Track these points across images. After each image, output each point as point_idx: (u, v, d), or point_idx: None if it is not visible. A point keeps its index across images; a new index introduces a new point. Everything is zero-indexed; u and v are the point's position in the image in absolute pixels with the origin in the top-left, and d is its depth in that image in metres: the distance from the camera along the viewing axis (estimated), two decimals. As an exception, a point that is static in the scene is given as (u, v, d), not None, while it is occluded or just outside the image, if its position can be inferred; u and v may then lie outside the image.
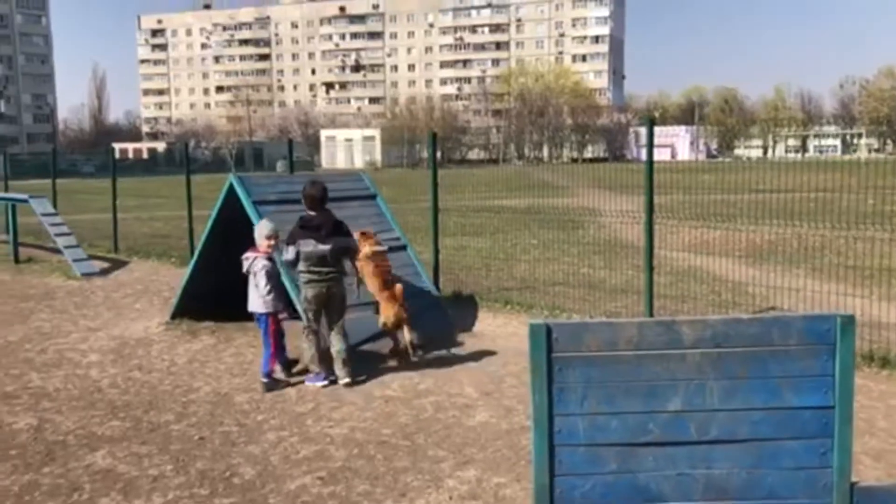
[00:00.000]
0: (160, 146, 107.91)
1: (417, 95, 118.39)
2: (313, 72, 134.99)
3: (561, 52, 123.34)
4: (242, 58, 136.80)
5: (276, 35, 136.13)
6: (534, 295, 9.94)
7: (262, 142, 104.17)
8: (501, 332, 8.34)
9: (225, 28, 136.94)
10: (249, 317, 8.46)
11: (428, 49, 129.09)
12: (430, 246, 9.89)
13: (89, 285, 11.88)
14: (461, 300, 9.61)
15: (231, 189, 8.03)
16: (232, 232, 8.25)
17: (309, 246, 6.44)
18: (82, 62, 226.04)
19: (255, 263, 6.66)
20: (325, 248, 6.43)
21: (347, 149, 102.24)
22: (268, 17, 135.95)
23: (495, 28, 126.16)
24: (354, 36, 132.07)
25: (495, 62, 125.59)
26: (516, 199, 13.95)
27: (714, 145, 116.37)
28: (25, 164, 48.90)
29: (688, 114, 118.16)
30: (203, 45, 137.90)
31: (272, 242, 6.69)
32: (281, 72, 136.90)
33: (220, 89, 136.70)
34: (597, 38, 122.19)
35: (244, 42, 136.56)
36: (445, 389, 6.43)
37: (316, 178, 7.41)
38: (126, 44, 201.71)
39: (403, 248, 8.60)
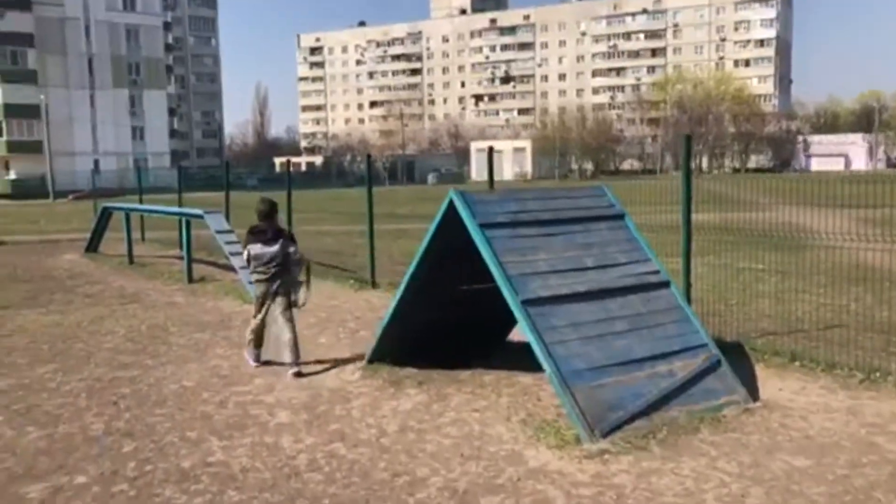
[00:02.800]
0: (317, 160, 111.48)
1: (568, 105, 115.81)
2: (463, 84, 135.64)
3: (722, 58, 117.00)
4: (395, 73, 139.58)
5: (428, 49, 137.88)
6: (815, 344, 7.62)
7: (414, 155, 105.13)
8: (805, 403, 6.12)
9: (378, 44, 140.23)
10: (459, 364, 6.83)
11: (580, 58, 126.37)
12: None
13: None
14: (721, 348, 7.45)
15: (450, 208, 6.33)
16: (446, 260, 6.57)
17: (256, 249, 7.61)
18: (247, 81, 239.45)
19: None
20: (270, 249, 7.55)
21: (497, 160, 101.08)
22: (419, 32, 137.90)
23: (651, 34, 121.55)
24: (505, 47, 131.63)
25: (651, 69, 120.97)
26: (698, 213, 11.58)
27: None
28: (195, 177, 50.97)
29: (863, 120, 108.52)
30: (358, 62, 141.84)
31: None
32: (431, 85, 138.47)
33: (373, 104, 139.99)
34: (762, 42, 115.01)
35: (396, 57, 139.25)
36: (784, 506, 4.35)
37: (265, 197, 8.02)
38: (287, 62, 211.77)
39: (665, 284, 6.58)
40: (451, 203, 6.30)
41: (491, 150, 11.04)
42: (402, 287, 6.95)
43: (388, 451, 5.36)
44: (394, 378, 7.01)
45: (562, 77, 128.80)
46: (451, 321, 7.25)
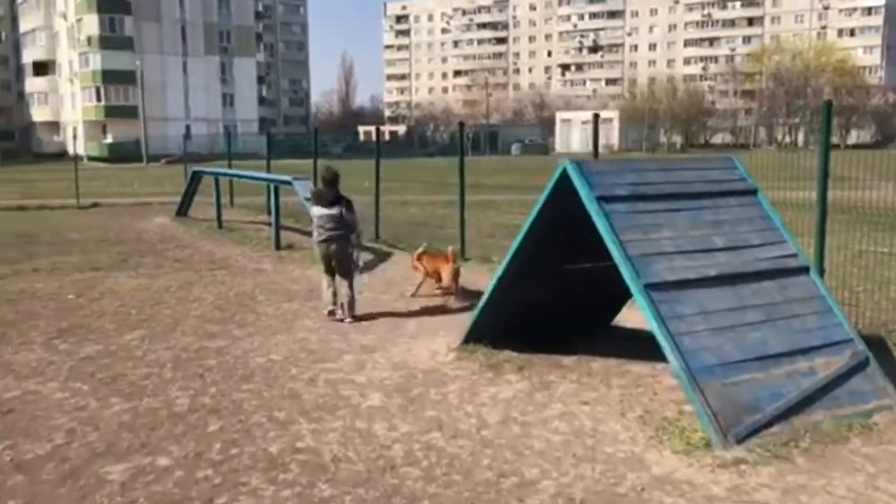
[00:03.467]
0: (400, 129, 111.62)
1: (658, 76, 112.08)
2: (549, 54, 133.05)
3: (824, 27, 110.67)
4: (480, 42, 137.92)
5: (514, 17, 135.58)
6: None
7: (497, 125, 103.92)
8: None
9: (465, 12, 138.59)
10: (561, 348, 6.56)
11: (672, 27, 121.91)
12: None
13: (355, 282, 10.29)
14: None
15: (562, 179, 5.71)
16: (552, 235, 5.97)
17: (316, 210, 8.41)
18: (333, 50, 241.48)
19: None
20: (329, 212, 8.26)
21: (583, 131, 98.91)
22: (507, 0, 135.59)
23: (748, 2, 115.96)
24: (593, 16, 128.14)
25: (746, 39, 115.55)
26: (801, 191, 10.50)
27: None
28: (282, 144, 51.49)
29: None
30: (443, 30, 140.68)
31: None
32: (517, 54, 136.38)
33: (457, 73, 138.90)
34: (869, 10, 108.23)
35: (482, 26, 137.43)
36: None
37: (330, 166, 8.97)
38: (372, 31, 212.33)
39: (804, 270, 5.81)
40: (563, 174, 5.68)
41: (597, 118, 10.25)
42: (505, 263, 6.39)
43: (490, 445, 4.85)
44: (491, 361, 6.49)
45: (652, 47, 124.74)
46: (554, 301, 6.68)
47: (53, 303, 9.15)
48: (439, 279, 9.20)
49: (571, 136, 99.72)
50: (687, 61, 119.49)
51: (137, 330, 7.82)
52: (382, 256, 12.39)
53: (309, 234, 15.26)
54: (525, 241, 6.18)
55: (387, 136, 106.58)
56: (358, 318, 8.21)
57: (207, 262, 12.28)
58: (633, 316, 6.80)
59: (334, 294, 8.43)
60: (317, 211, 8.39)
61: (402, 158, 55.65)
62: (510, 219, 16.14)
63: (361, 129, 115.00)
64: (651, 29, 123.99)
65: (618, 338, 7.08)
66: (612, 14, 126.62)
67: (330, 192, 8.37)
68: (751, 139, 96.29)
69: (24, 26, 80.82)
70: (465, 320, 7.03)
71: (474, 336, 6.80)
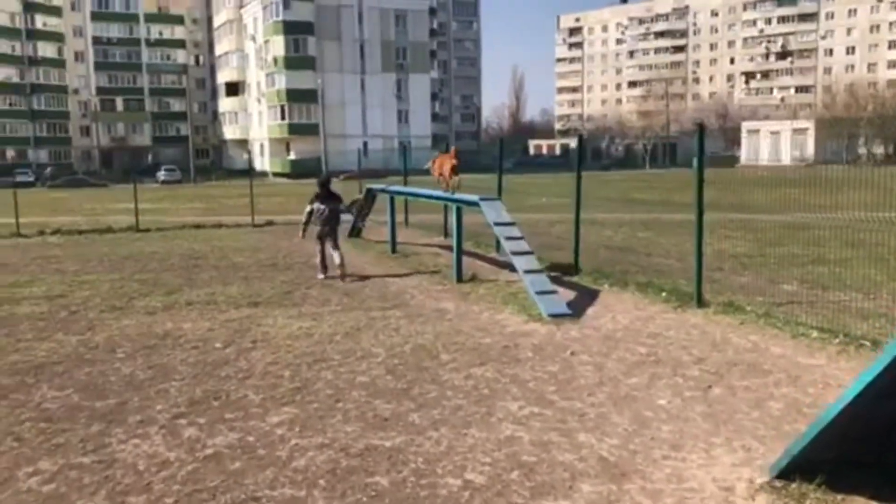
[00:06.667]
0: (571, 142, 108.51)
1: (858, 82, 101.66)
2: (732, 61, 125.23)
3: None
4: (657, 51, 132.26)
5: (694, 25, 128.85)
6: None
7: (676, 136, 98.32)
8: None
9: (641, 21, 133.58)
10: None
11: (873, 28, 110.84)
12: None
13: (562, 337, 7.89)
14: None
15: None
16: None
17: (316, 205, 11.93)
18: (504, 64, 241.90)
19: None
20: (324, 206, 11.84)
21: (773, 142, 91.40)
22: (686, 7, 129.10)
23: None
24: (782, 20, 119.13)
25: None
26: None
27: None
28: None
29: None
30: (618, 41, 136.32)
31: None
32: (697, 63, 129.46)
33: (632, 84, 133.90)
34: None
35: (659, 34, 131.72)
36: None
37: (325, 173, 15.26)
38: (543, 44, 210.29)
39: None
40: None
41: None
42: (884, 361, 3.71)
43: None
44: (833, 515, 3.85)
45: (850, 50, 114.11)
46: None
47: (196, 354, 7.45)
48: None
49: (759, 148, 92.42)
50: (892, 64, 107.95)
51: (287, 406, 5.85)
52: (587, 296, 9.89)
53: (494, 261, 13.20)
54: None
55: (557, 150, 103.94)
56: (347, 275, 11.69)
57: (379, 297, 10.36)
58: None
59: (325, 264, 11.93)
60: (317, 205, 11.89)
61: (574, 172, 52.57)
62: (732, 246, 13.15)
63: (532, 143, 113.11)
64: (849, 31, 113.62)
65: None
66: (804, 17, 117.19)
67: (325, 192, 11.99)
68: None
69: (218, 50, 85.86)
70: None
71: (798, 466, 4.18)
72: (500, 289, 10.49)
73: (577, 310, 8.98)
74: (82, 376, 6.79)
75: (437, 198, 13.42)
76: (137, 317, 9.24)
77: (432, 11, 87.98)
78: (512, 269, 10.70)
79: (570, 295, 9.87)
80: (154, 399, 6.10)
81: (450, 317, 8.98)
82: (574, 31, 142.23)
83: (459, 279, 11.27)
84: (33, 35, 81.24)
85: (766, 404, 5.76)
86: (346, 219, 14.29)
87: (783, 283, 10.37)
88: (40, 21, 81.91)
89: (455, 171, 13.64)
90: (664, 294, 9.68)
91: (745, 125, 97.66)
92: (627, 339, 7.71)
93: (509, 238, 9.75)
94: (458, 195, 12.22)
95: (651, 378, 6.46)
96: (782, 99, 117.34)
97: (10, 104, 79.45)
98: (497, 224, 10.09)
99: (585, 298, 9.75)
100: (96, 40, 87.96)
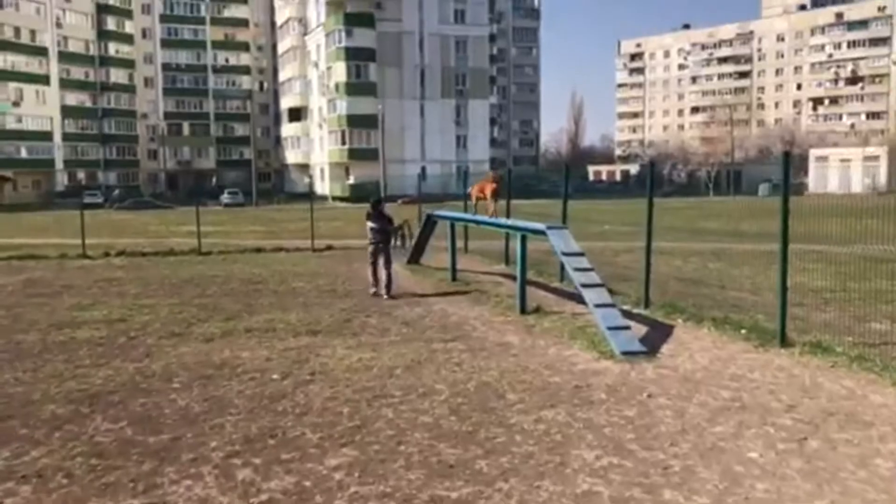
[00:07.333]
0: (632, 168, 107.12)
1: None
2: (799, 87, 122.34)
3: None
4: (720, 76, 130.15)
5: (759, 50, 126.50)
6: None
7: (741, 163, 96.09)
8: None
9: (704, 47, 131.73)
10: None
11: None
12: None
13: (637, 377, 7.39)
14: None
15: None
16: None
17: (369, 224, 12.86)
18: (562, 89, 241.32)
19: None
20: (375, 225, 12.79)
21: (843, 170, 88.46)
22: (751, 32, 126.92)
23: None
24: (852, 44, 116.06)
25: None
26: None
27: None
28: (511, 185, 49.70)
29: None
30: (680, 66, 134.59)
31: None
32: (761, 89, 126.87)
33: (694, 110, 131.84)
34: None
35: (723, 60, 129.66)
36: None
37: (376, 196, 15.02)
38: (603, 70, 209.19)
39: None
40: None
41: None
42: None
43: None
44: None
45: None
46: None
47: (253, 385, 7.20)
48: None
49: (828, 176, 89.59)
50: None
51: (346, 448, 5.50)
52: (660, 332, 9.35)
53: (558, 291, 12.75)
54: None
55: (618, 176, 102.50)
56: (393, 297, 12.26)
57: (440, 327, 10.01)
58: None
59: (377, 279, 12.64)
60: (369, 224, 12.87)
61: (637, 199, 51.55)
62: (810, 279, 12.39)
63: (591, 168, 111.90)
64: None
65: None
66: (876, 41, 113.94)
67: (376, 212, 12.93)
68: None
69: (282, 76, 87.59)
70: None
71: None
72: (567, 322, 10.02)
73: (650, 347, 8.46)
74: (137, 408, 6.59)
75: (502, 226, 13.05)
76: (195, 344, 9.07)
77: (492, 38, 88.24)
78: (578, 300, 10.24)
79: (642, 330, 9.34)
80: (209, 435, 5.84)
81: (514, 351, 8.56)
82: (635, 57, 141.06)
83: (523, 311, 10.84)
84: (106, 62, 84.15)
85: (872, 462, 5.18)
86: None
87: (872, 322, 9.65)
88: (113, 48, 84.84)
89: (496, 194, 13.95)
90: (744, 331, 9.08)
91: (814, 152, 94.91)
92: (708, 382, 7.17)
93: (578, 269, 9.30)
94: (523, 223, 11.83)
95: (738, 426, 5.93)
96: (852, 125, 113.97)
97: (82, 128, 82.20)
98: (565, 254, 9.65)
99: (658, 334, 9.21)
100: (165, 67, 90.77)
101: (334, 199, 69.86)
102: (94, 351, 8.77)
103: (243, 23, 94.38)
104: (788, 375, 7.34)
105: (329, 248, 21.25)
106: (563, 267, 12.99)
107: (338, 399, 6.73)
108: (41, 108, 77.43)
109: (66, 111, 80.00)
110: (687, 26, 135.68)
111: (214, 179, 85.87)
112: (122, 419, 6.26)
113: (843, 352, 7.96)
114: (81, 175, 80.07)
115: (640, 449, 5.46)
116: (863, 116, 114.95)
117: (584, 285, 9.05)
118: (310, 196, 29.25)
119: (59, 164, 79.52)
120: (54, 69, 78.74)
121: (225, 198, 65.24)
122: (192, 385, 7.26)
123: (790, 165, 8.56)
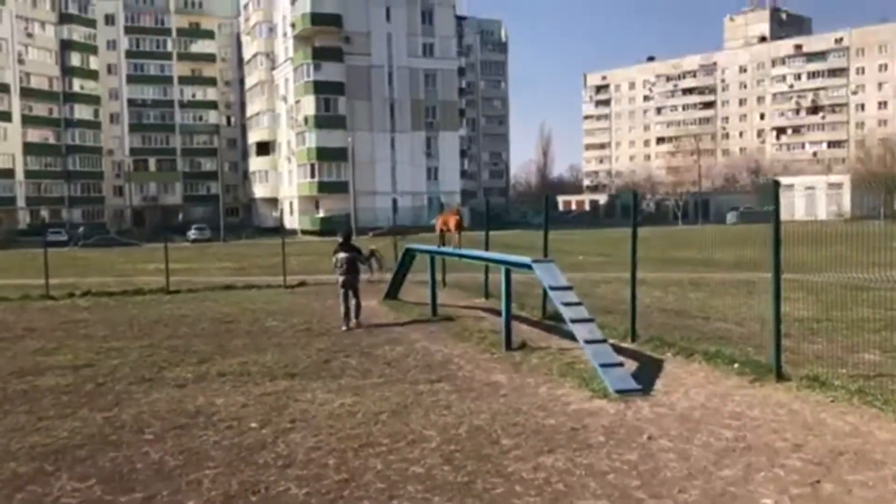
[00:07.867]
0: (601, 198, 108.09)
1: (892, 136, 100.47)
2: (762, 117, 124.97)
3: None
4: (685, 107, 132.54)
5: (723, 80, 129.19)
6: None
7: (708, 192, 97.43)
8: None
9: (668, 78, 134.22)
10: None
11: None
12: None
13: (634, 417, 7.09)
14: None
15: None
16: None
17: (339, 255, 13.27)
18: (531, 122, 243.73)
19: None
20: (343, 255, 13.19)
21: (809, 198, 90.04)
22: (714, 63, 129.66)
23: None
24: (812, 75, 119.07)
25: None
26: None
27: None
28: (481, 215, 49.77)
29: None
30: (645, 98, 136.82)
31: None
32: (726, 118, 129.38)
33: (660, 140, 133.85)
34: None
35: (687, 91, 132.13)
36: None
37: (345, 228, 17.46)
38: (570, 102, 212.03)
39: None
40: None
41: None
42: None
43: None
44: None
45: (882, 105, 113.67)
46: None
47: (230, 435, 6.78)
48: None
49: (794, 203, 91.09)
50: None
51: (335, 505, 5.13)
52: (650, 367, 9.09)
53: (542, 325, 12.47)
54: None
55: (587, 206, 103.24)
56: (360, 324, 12.98)
57: (424, 367, 9.66)
58: None
59: (348, 316, 12.96)
60: (339, 256, 13.23)
61: (606, 228, 52.04)
62: (793, 309, 12.22)
63: (560, 199, 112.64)
64: (880, 86, 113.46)
65: None
66: (834, 72, 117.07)
67: (346, 243, 13.35)
68: None
69: (250, 110, 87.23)
70: None
71: None
72: (555, 358, 9.73)
73: (644, 383, 8.18)
74: (107, 463, 6.14)
75: (485, 259, 12.79)
76: (167, 390, 8.61)
77: (461, 71, 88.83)
78: (563, 334, 9.96)
79: (632, 366, 9.08)
80: (185, 492, 5.42)
81: (504, 391, 8.23)
82: (601, 89, 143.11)
83: (509, 347, 10.53)
84: (71, 98, 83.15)
85: (891, 506, 4.93)
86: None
87: (863, 352, 9.49)
88: (78, 84, 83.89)
89: (459, 226, 14.26)
90: (737, 365, 8.86)
91: (781, 181, 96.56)
92: (708, 420, 6.90)
93: (567, 304, 9.04)
94: (506, 256, 11.57)
95: (747, 469, 5.65)
96: (815, 154, 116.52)
97: (46, 165, 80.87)
98: (553, 288, 9.39)
99: (650, 370, 8.95)
100: (131, 102, 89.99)
101: (304, 232, 69.27)
102: (59, 400, 8.27)
103: (210, 58, 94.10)
104: (789, 412, 7.10)
105: (302, 283, 20.81)
106: (545, 299, 12.78)
107: (322, 449, 6.34)
108: (2, 146, 76.14)
109: (29, 148, 78.78)
110: (651, 59, 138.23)
111: (181, 215, 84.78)
112: (90, 477, 5.81)
113: (842, 385, 7.75)
114: (45, 213, 78.56)
115: (647, 497, 5.15)
116: (824, 145, 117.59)
117: (574, 321, 8.78)
118: (280, 230, 28.79)
119: (21, 202, 78.06)
120: (16, 105, 77.64)
121: (192, 233, 64.34)
122: (166, 436, 6.82)
123: (778, 195, 8.41)
